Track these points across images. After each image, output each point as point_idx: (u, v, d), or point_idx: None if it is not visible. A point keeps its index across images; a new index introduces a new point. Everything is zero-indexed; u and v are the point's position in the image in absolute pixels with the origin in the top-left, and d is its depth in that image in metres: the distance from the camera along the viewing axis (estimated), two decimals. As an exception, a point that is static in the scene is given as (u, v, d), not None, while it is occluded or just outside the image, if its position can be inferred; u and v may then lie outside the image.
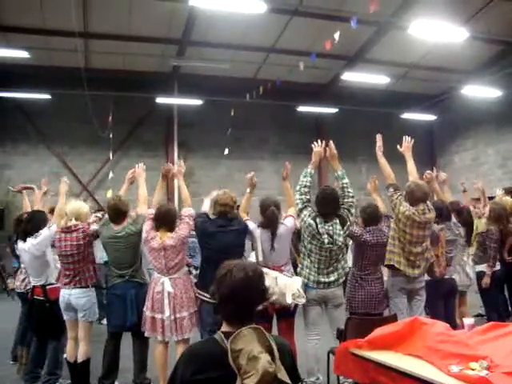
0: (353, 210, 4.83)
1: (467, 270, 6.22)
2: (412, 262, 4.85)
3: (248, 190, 5.36)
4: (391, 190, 4.93)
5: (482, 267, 6.43)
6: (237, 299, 2.09)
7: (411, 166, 5.19)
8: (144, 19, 12.16)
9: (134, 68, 14.42)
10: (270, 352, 1.97)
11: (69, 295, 4.88)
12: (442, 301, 5.37)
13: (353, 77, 14.29)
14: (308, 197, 4.92)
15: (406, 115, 16.62)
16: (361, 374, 3.48)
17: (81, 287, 4.90)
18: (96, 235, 5.07)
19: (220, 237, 4.71)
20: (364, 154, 16.53)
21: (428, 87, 16.58)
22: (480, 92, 14.52)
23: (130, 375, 5.11)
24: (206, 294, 4.56)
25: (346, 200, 4.83)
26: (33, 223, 5.16)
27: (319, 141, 5.17)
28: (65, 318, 4.98)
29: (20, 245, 5.21)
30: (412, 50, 13.69)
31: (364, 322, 4.12)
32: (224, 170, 16.07)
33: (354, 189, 5.04)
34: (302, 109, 15.98)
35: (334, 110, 16.10)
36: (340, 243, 4.68)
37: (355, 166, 15.53)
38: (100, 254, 6.38)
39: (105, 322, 5.59)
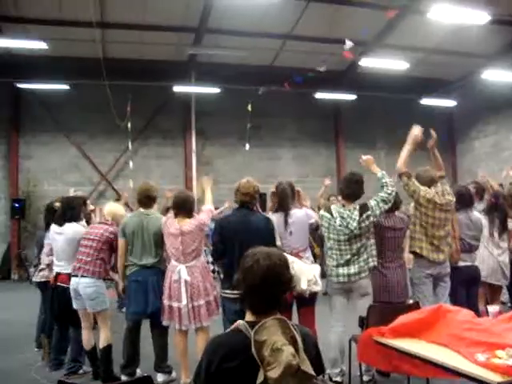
0: (384, 205, 4.65)
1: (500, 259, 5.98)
2: (436, 246, 4.84)
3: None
4: (405, 178, 4.90)
5: None
6: (264, 289, 2.07)
7: (440, 160, 5.29)
8: (160, 8, 12.11)
9: (151, 57, 14.41)
10: (294, 343, 1.96)
11: (77, 283, 4.91)
12: (464, 288, 5.29)
13: (371, 63, 14.09)
14: None
15: (426, 101, 16.37)
16: (384, 361, 3.48)
17: (89, 277, 4.91)
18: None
19: (242, 233, 4.50)
20: (382, 141, 16.44)
21: (448, 72, 16.31)
22: (501, 76, 14.21)
23: (152, 362, 5.13)
24: (227, 291, 4.54)
25: (381, 194, 4.70)
26: (74, 210, 5.28)
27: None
28: (74, 306, 5.00)
29: (54, 229, 5.28)
30: (431, 35, 13.43)
31: (386, 310, 4.09)
32: (242, 158, 16.03)
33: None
34: (319, 96, 15.83)
35: (352, 97, 15.90)
36: (353, 228, 4.56)
37: (374, 152, 15.27)
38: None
39: (125, 310, 5.64)
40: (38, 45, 11.45)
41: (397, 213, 5.03)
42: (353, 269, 4.62)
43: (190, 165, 15.68)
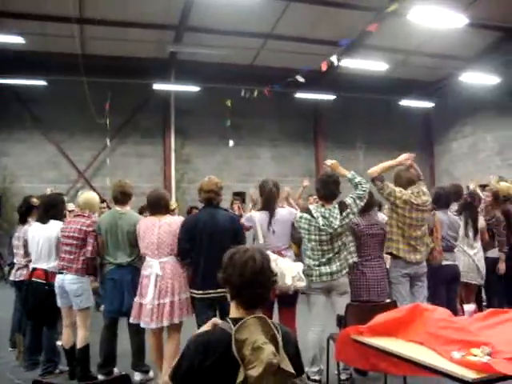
0: (360, 202, 4.65)
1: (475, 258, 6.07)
2: (413, 246, 4.89)
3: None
4: (378, 182, 4.93)
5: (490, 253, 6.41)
6: (258, 284, 2.11)
7: (419, 171, 5.33)
8: (141, 4, 12.04)
9: (131, 54, 14.29)
10: (275, 342, 1.97)
11: (63, 280, 4.88)
12: (444, 287, 5.35)
13: (351, 63, 14.17)
14: None
15: (405, 102, 16.50)
16: (362, 360, 3.49)
17: (73, 273, 4.87)
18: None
19: (209, 232, 4.55)
20: (362, 141, 16.51)
21: (427, 74, 16.49)
22: (479, 79, 14.47)
23: (129, 360, 5.08)
24: (194, 291, 4.56)
25: (356, 192, 4.69)
26: (58, 208, 5.31)
27: None
28: (59, 304, 4.96)
29: (36, 226, 5.23)
30: (411, 37, 13.59)
31: (364, 309, 4.11)
32: (222, 156, 16.03)
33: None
34: (300, 96, 15.88)
35: (332, 97, 16.01)
36: (336, 226, 4.54)
37: (353, 152, 15.48)
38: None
39: (103, 308, 5.58)
40: (15, 39, 11.28)
41: (379, 213, 5.06)
42: (335, 267, 4.61)
43: (169, 163, 15.61)
